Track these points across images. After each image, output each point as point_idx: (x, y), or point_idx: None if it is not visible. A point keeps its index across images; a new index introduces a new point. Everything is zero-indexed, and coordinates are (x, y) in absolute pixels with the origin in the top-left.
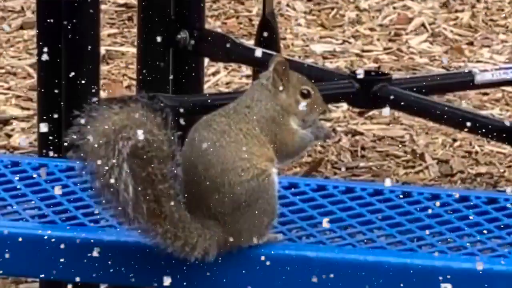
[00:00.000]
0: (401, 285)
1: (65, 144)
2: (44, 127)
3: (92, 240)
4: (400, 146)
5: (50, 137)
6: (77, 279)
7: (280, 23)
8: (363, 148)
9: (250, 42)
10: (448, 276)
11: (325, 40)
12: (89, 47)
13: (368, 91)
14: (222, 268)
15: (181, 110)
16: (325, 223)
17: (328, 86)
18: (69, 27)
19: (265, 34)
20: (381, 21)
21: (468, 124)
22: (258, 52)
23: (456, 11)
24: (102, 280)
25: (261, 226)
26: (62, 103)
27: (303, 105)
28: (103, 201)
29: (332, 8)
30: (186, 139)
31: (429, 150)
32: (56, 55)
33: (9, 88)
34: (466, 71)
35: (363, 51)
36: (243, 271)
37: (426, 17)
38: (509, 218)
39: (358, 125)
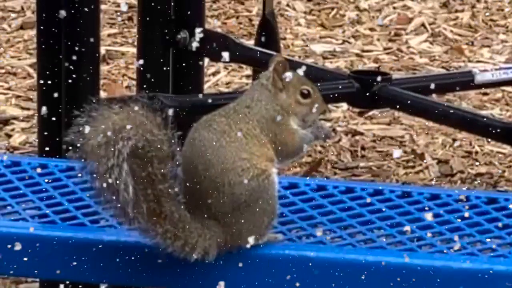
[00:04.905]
0: (401, 285)
1: (65, 144)
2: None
3: (92, 240)
4: (400, 146)
5: (50, 137)
6: (77, 279)
7: (280, 23)
8: (363, 148)
9: (250, 42)
10: (448, 276)
11: (325, 40)
12: (89, 47)
13: (368, 91)
14: (222, 268)
15: (181, 110)
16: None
17: (328, 86)
18: (69, 27)
19: (265, 34)
20: (381, 21)
21: (468, 124)
22: (258, 52)
23: (456, 11)
24: (102, 280)
25: (261, 226)
26: (62, 103)
27: (303, 105)
28: (103, 201)
29: (332, 8)
30: (186, 139)
31: (429, 150)
32: (56, 55)
33: (9, 88)
34: (466, 71)
35: (363, 51)
36: (243, 271)
37: (426, 17)
38: (509, 218)
39: (358, 125)
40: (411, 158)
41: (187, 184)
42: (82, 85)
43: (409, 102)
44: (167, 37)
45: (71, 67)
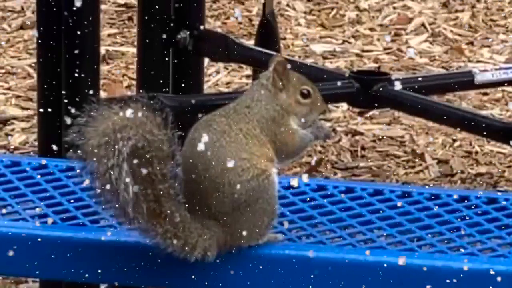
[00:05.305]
0: (401, 285)
1: (65, 144)
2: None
3: (92, 240)
4: (400, 146)
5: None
6: (77, 279)
7: (280, 23)
8: (363, 148)
9: (250, 42)
10: (448, 276)
11: (325, 40)
12: (89, 47)
13: (368, 91)
14: (222, 268)
15: (181, 110)
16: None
17: (328, 86)
18: (69, 27)
19: (265, 34)
20: (381, 21)
21: (468, 124)
22: (258, 52)
23: (456, 11)
24: (102, 280)
25: (261, 226)
26: (62, 103)
27: (303, 105)
28: (103, 201)
29: (332, 8)
30: (186, 139)
31: (429, 150)
32: (56, 55)
33: (9, 88)
34: (466, 71)
35: (363, 51)
36: (243, 271)
37: (426, 17)
38: (509, 218)
39: (358, 125)
40: (411, 158)
41: (187, 184)
42: (82, 85)
43: (409, 102)
44: (167, 37)
45: (71, 67)
